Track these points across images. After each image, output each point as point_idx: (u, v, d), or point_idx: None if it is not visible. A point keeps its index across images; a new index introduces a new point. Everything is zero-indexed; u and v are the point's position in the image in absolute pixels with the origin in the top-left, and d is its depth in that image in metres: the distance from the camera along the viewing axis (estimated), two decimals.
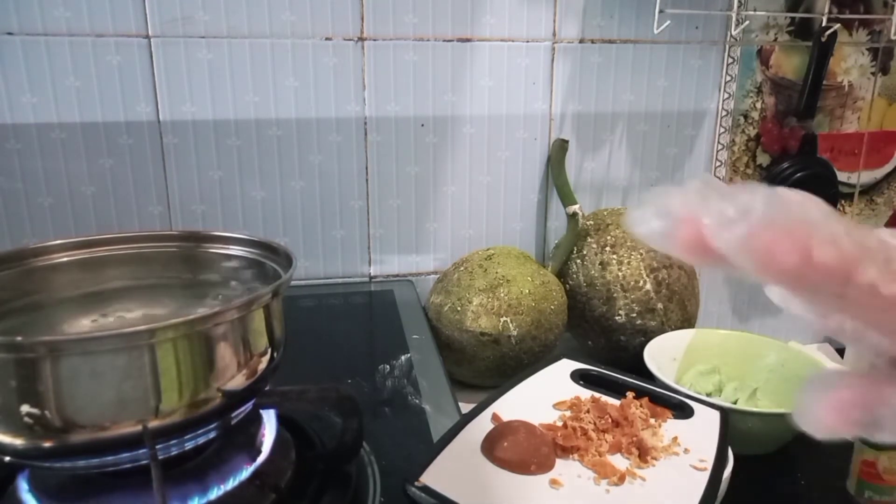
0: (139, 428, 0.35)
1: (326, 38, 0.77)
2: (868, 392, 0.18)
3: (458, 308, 0.70)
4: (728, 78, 0.89)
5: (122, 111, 0.75)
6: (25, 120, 0.73)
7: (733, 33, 0.86)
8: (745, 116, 0.92)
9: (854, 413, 0.17)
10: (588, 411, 0.51)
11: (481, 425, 0.49)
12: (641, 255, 0.74)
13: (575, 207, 0.78)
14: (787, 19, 0.89)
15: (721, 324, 0.99)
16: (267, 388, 0.45)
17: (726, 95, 0.90)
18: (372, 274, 0.87)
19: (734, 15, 0.83)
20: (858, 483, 0.57)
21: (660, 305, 0.73)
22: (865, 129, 0.98)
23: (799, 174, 0.91)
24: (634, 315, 0.73)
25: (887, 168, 1.02)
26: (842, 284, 0.16)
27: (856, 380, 0.18)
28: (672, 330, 0.72)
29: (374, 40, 0.78)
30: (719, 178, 0.92)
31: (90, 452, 0.36)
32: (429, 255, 0.87)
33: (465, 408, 0.54)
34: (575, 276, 0.77)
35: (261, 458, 0.43)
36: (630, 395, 0.53)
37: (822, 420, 0.18)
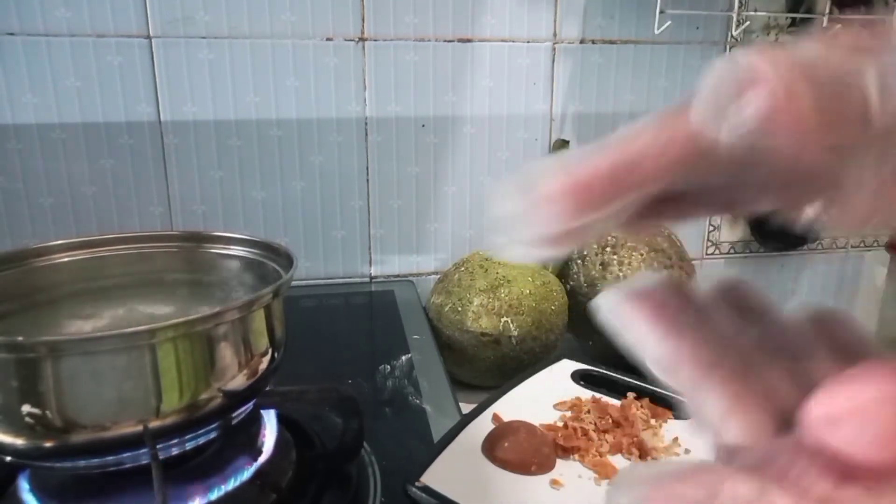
0: (140, 428, 0.35)
1: (327, 39, 0.77)
2: (704, 485, 0.15)
3: (459, 308, 0.70)
4: None
5: (123, 111, 0.75)
6: (26, 120, 0.73)
7: (734, 34, 0.86)
8: None
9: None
10: (589, 412, 0.51)
11: (482, 425, 0.49)
12: (642, 255, 0.74)
13: None
14: (787, 19, 0.89)
15: None
16: (268, 389, 0.45)
17: None
18: (372, 274, 0.87)
19: (735, 15, 0.83)
20: None
21: None
22: None
23: None
24: None
25: None
26: None
27: (690, 471, 0.15)
28: None
29: (375, 41, 0.78)
30: None
31: (91, 452, 0.36)
32: (429, 255, 0.87)
33: (466, 408, 0.54)
34: (576, 276, 0.77)
35: (262, 459, 0.43)
36: (631, 395, 0.53)
37: None
